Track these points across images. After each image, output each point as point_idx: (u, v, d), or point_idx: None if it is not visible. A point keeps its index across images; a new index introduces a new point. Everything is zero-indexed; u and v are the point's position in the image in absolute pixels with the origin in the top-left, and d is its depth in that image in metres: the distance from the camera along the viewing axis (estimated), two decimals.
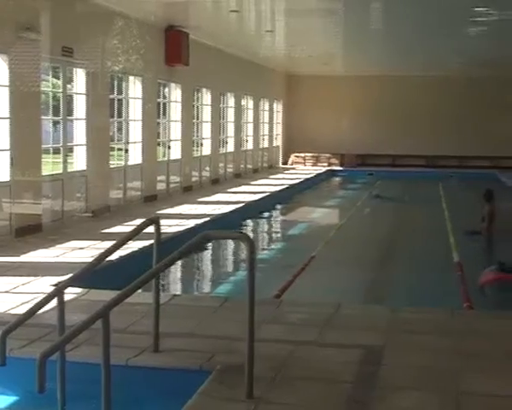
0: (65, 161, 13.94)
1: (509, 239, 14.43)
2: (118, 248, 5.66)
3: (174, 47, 18.83)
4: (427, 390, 5.07)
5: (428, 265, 12.09)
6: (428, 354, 5.87)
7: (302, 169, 31.64)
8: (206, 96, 23.49)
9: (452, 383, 5.22)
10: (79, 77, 14.59)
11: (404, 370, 5.49)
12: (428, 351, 5.96)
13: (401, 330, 6.56)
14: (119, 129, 17.82)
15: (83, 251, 10.65)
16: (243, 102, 28.16)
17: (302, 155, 34.49)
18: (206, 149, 23.34)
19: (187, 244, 4.97)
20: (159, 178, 18.87)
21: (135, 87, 17.64)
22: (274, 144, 33.42)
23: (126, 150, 17.22)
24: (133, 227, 5.79)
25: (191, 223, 13.70)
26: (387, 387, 5.10)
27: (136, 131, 17.59)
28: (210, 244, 13.17)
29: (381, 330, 6.48)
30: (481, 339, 6.33)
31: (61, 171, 13.82)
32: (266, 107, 32.05)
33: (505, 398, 4.98)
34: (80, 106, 14.60)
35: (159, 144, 19.83)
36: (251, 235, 15.16)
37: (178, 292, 10.13)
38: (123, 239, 5.71)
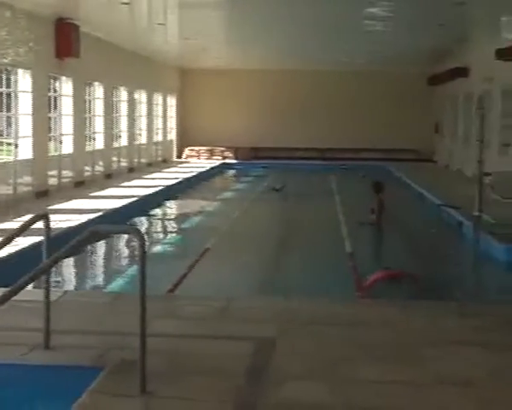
0: None
1: (399, 230, 14.88)
2: (5, 245, 5.53)
3: (64, 40, 18.50)
4: (318, 379, 5.16)
5: (322, 256, 12.30)
6: (319, 344, 5.97)
7: (196, 163, 31.62)
8: (99, 90, 23.17)
9: (342, 371, 5.33)
10: None
11: (296, 360, 5.57)
12: (319, 341, 6.06)
13: (294, 321, 6.63)
14: (9, 123, 17.40)
15: None
16: (136, 96, 27.92)
17: (196, 148, 34.49)
18: (99, 144, 23.06)
19: (76, 239, 4.91)
20: (50, 172, 18.56)
21: (24, 81, 17.24)
22: (168, 138, 33.28)
23: (16, 145, 16.84)
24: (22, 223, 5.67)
25: (83, 218, 13.52)
26: (279, 377, 5.16)
27: (26, 125, 17.22)
28: (103, 239, 13.02)
29: (273, 322, 6.54)
30: (370, 327, 6.49)
31: None
32: (160, 101, 31.87)
33: (391, 384, 5.12)
34: None
35: (50, 139, 19.46)
36: (144, 229, 15.10)
37: (70, 288, 9.97)
38: (10, 235, 5.58)
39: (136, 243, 4.86)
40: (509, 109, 21.77)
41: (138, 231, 4.97)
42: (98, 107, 23.15)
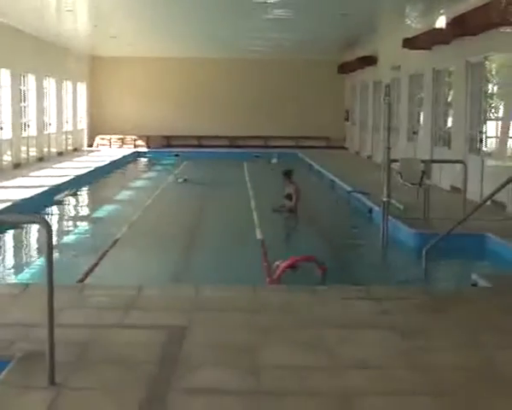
0: None
1: (310, 216, 15.06)
2: None
3: None
4: (228, 366, 5.20)
5: (233, 243, 12.35)
6: (229, 331, 6.01)
7: (108, 151, 31.26)
8: (5, 78, 22.64)
9: (251, 357, 5.38)
10: None
11: (206, 347, 5.59)
12: (229, 328, 6.10)
13: (204, 309, 6.66)
14: None
15: None
16: (45, 84, 27.38)
17: (108, 137, 34.09)
18: (7, 133, 22.53)
19: None
20: None
21: None
22: (78, 127, 32.75)
23: None
24: None
25: None
26: (189, 365, 5.18)
27: None
28: (11, 230, 12.77)
29: (184, 310, 6.55)
30: (279, 313, 6.56)
31: None
32: (70, 88, 31.34)
33: (298, 368, 5.20)
34: None
35: None
36: (53, 219, 14.87)
37: None
38: None
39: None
40: (416, 97, 22.26)
41: (44, 221, 4.91)
42: (5, 95, 22.62)
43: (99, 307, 6.68)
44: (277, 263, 9.84)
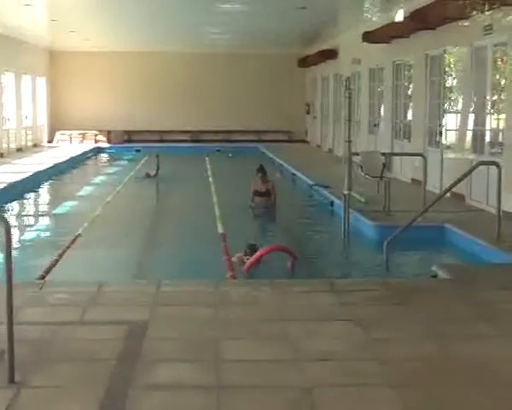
0: None
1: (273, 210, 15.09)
2: None
3: None
4: (189, 361, 5.19)
5: (195, 238, 12.32)
6: (190, 326, 6.00)
7: (68, 147, 30.99)
8: None
9: (212, 352, 5.38)
10: None
11: (167, 343, 5.58)
12: (191, 322, 6.09)
13: (165, 304, 6.64)
14: None
15: None
16: (3, 79, 27.04)
17: (68, 132, 33.79)
18: None
19: None
20: None
21: None
22: (38, 122, 32.41)
23: None
24: None
25: None
26: (150, 360, 5.17)
27: None
28: None
29: (144, 305, 6.52)
30: (241, 307, 6.58)
31: None
32: (29, 83, 30.98)
33: (260, 362, 5.21)
34: None
35: None
36: (13, 216, 14.71)
37: None
38: None
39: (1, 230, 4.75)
40: (377, 90, 22.40)
41: (3, 218, 4.87)
42: None
43: (59, 305, 6.63)
44: (238, 255, 9.86)
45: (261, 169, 15.56)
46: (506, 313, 6.54)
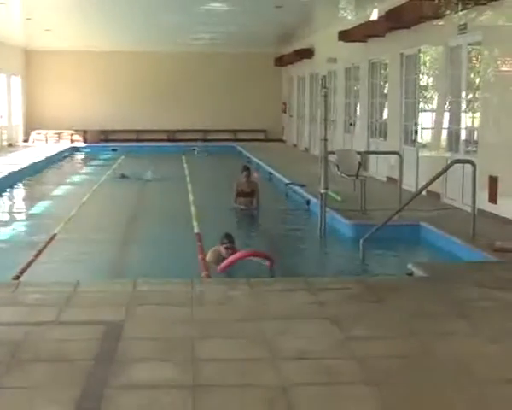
0: None
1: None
2: None
3: None
4: (165, 360, 5.17)
5: (171, 237, 12.28)
6: (166, 325, 5.98)
7: (44, 147, 30.80)
8: None
9: (188, 351, 5.36)
10: None
11: (143, 342, 5.56)
12: (167, 322, 6.06)
13: (141, 304, 6.61)
14: None
15: None
16: None
17: (44, 132, 33.59)
18: None
19: None
20: None
21: None
22: (13, 122, 32.18)
23: None
24: None
25: None
26: (126, 360, 5.14)
27: None
28: None
29: (121, 305, 6.49)
30: (217, 306, 6.56)
31: None
32: (4, 82, 30.76)
33: (235, 361, 5.20)
34: None
35: None
36: None
37: None
38: None
39: None
40: (353, 89, 22.46)
41: None
42: None
43: (34, 305, 6.58)
44: (214, 248, 9.85)
45: (247, 168, 15.50)
46: (481, 310, 6.59)
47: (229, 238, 9.81)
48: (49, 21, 24.36)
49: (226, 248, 9.69)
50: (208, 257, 9.82)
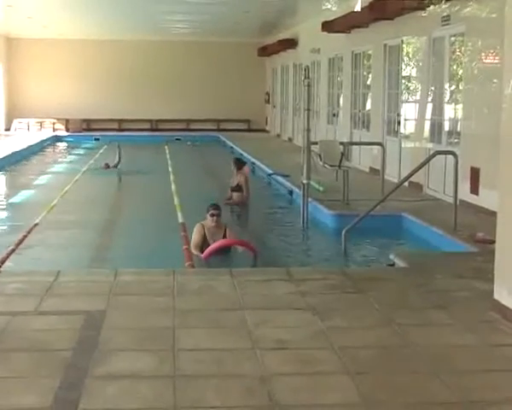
0: None
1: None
2: None
3: None
4: (146, 350, 5.18)
5: (155, 227, 12.25)
6: (148, 315, 5.98)
7: (26, 135, 30.64)
8: None
9: (169, 341, 5.36)
10: None
11: (124, 332, 5.55)
12: (148, 312, 6.06)
13: (123, 293, 6.61)
14: None
15: None
16: None
17: (26, 120, 33.40)
18: None
19: None
20: None
21: None
22: None
23: None
24: None
25: None
26: (107, 350, 5.14)
27: None
28: None
29: (102, 295, 6.48)
30: (198, 296, 6.57)
31: None
32: None
33: (216, 351, 5.21)
34: None
35: None
36: None
37: None
38: None
39: None
40: (336, 80, 22.47)
41: None
42: None
43: (15, 294, 6.56)
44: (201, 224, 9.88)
45: (236, 161, 15.25)
46: (461, 301, 6.62)
47: (215, 207, 9.87)
48: (31, 9, 24.16)
49: (212, 215, 9.76)
50: (194, 235, 9.83)
